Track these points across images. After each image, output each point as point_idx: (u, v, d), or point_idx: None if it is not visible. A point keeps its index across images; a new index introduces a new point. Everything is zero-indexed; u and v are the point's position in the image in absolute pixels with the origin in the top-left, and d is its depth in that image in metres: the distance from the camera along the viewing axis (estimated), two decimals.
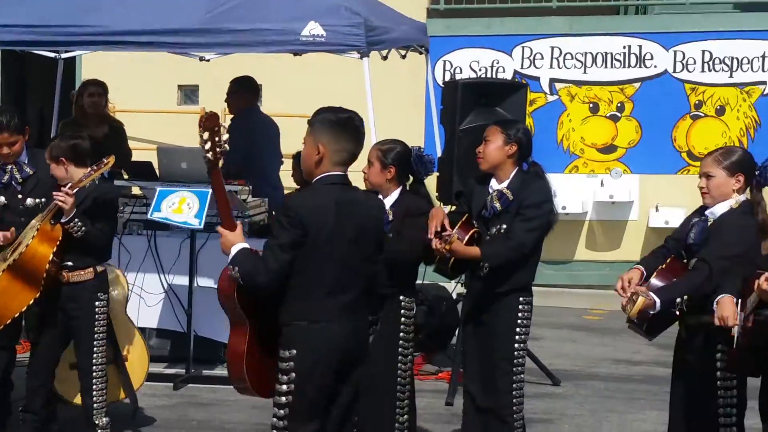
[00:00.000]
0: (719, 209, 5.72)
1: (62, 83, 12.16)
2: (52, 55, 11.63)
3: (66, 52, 11.61)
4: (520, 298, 6.54)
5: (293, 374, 4.75)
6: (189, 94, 15.55)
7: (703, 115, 16.17)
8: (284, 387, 4.77)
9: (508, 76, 15.83)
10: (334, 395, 5.07)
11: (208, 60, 11.48)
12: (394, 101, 11.47)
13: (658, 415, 7.80)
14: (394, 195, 6.61)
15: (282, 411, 4.78)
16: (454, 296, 9.17)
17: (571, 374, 10.24)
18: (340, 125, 5.19)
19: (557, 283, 15.27)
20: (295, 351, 4.78)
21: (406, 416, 6.76)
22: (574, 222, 15.98)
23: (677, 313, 5.70)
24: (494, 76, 15.70)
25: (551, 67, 16.40)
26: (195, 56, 11.20)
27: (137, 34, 9.56)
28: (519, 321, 6.53)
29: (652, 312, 5.56)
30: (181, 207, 9.15)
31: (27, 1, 10.01)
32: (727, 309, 5.12)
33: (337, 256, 4.95)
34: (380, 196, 6.62)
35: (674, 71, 16.10)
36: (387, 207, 6.31)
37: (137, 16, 9.58)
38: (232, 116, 11.09)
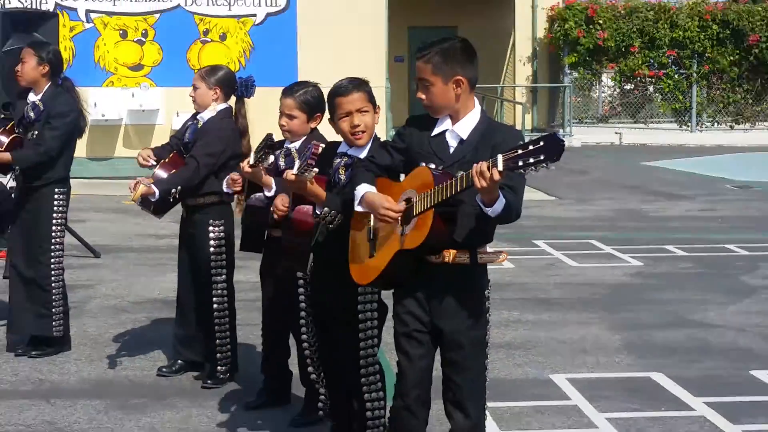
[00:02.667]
0: (206, 115, 6.10)
1: None
2: None
3: None
4: (56, 189, 6.64)
5: None
6: None
7: (210, 40, 17.16)
8: None
9: (50, 8, 15.95)
10: None
11: None
12: None
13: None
14: None
15: None
16: (8, 188, 8.55)
17: (110, 248, 10.44)
18: None
19: (101, 176, 15.92)
20: None
21: None
22: (113, 126, 16.82)
23: (176, 197, 5.94)
24: (32, 7, 15.79)
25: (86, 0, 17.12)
26: None
27: None
28: (55, 207, 6.63)
29: (153, 199, 5.85)
30: None
31: None
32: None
33: None
34: None
35: (186, 5, 16.97)
36: None
37: None
38: None
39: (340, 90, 4.49)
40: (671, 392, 5.97)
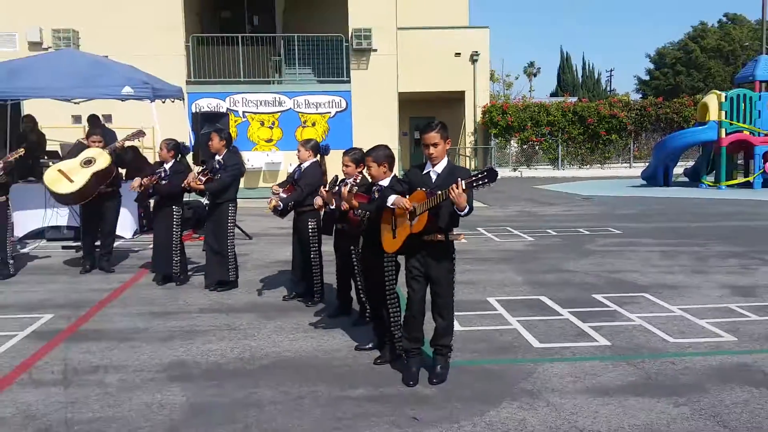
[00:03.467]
0: (305, 164, 5.94)
1: (10, 115, 11.08)
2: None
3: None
4: (230, 205, 6.55)
5: None
6: (76, 118, 14.35)
7: (306, 126, 17.11)
8: None
9: (222, 110, 16.03)
10: None
11: (78, 102, 10.89)
12: (172, 122, 11.90)
13: None
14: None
15: None
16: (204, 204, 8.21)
17: (257, 234, 9.75)
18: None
19: (251, 197, 15.52)
20: None
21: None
22: (257, 171, 17.07)
23: (290, 208, 5.88)
24: (215, 109, 16.02)
25: (242, 106, 17.12)
26: (77, 99, 10.51)
27: (42, 88, 8.99)
28: (230, 214, 6.55)
29: (279, 209, 5.84)
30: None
31: None
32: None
33: None
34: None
35: (294, 108, 16.91)
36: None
37: (41, 81, 9.01)
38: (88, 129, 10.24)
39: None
40: (550, 306, 5.96)
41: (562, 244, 9.20)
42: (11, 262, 7.48)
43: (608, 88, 52.68)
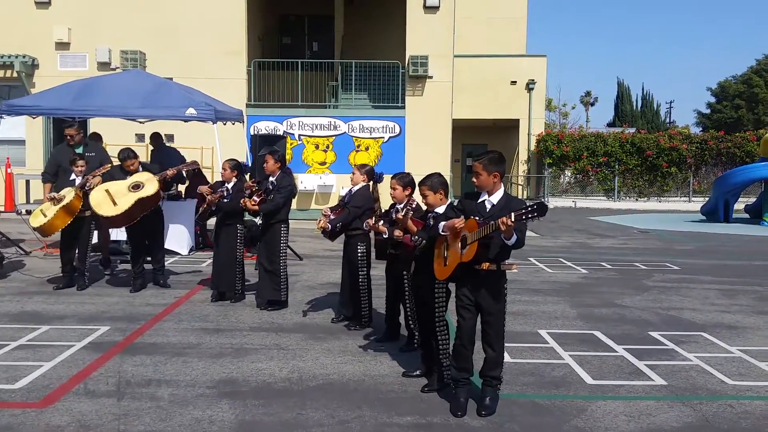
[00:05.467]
0: (356, 188, 6.01)
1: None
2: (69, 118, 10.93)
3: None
4: (282, 226, 6.60)
5: None
6: (139, 137, 14.49)
7: (360, 150, 17.23)
8: None
9: (280, 132, 16.33)
10: None
11: (143, 122, 11.06)
12: (231, 143, 12.09)
13: None
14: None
15: None
16: (258, 224, 8.03)
17: (307, 255, 9.80)
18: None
19: (303, 218, 15.81)
20: None
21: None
22: (310, 193, 17.11)
23: (339, 230, 5.91)
24: (273, 132, 16.24)
25: (298, 129, 17.37)
26: (142, 119, 10.68)
27: (109, 108, 9.31)
28: (282, 235, 6.61)
29: (328, 230, 5.85)
30: None
31: (56, 93, 9.64)
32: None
33: None
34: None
35: (349, 132, 17.24)
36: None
37: (109, 100, 9.32)
38: (152, 148, 10.63)
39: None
40: (604, 342, 5.80)
41: (617, 278, 8.98)
42: (87, 274, 7.73)
43: (668, 120, 51.57)
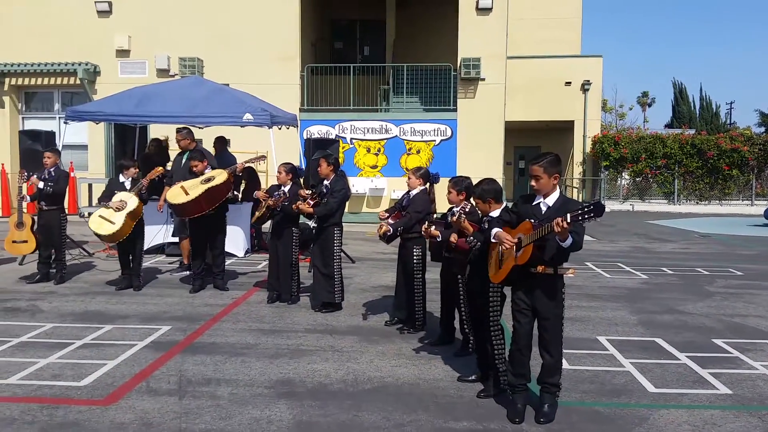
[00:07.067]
0: (413, 192, 5.98)
1: (138, 137, 11.87)
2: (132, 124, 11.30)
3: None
4: (335, 229, 6.65)
5: None
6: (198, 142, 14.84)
7: (411, 153, 17.25)
8: None
9: (332, 136, 16.40)
10: None
11: (202, 128, 11.30)
12: (285, 147, 12.08)
13: None
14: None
15: None
16: (311, 227, 8.43)
17: (360, 258, 9.81)
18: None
19: (355, 221, 16.06)
20: None
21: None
22: (361, 196, 17.09)
23: (397, 234, 5.89)
24: (325, 136, 16.22)
25: (350, 133, 17.47)
26: (200, 125, 10.83)
27: (169, 113, 9.50)
28: (335, 237, 6.66)
29: (389, 234, 5.85)
30: None
31: (118, 100, 9.89)
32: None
33: None
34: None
35: (400, 135, 17.26)
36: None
37: (169, 106, 9.52)
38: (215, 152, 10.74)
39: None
40: (666, 349, 5.65)
41: (679, 284, 8.74)
42: (142, 275, 7.98)
43: (728, 121, 49.85)
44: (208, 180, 7.56)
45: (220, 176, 7.57)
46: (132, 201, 7.57)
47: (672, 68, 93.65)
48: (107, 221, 7.50)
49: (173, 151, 10.05)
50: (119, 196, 7.60)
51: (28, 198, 8.07)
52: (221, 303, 7.15)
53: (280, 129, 10.60)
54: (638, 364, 5.19)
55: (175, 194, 7.49)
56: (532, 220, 3.85)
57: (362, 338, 5.81)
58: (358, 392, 4.45)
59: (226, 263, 8.33)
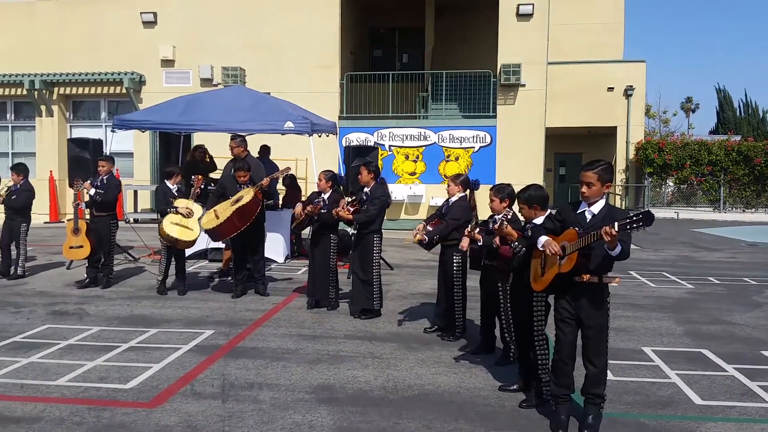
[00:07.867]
0: (453, 198, 6.00)
1: (183, 145, 12.02)
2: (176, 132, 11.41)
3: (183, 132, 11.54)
4: (375, 236, 6.68)
5: None
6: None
7: (450, 160, 17.20)
8: None
9: (371, 143, 16.52)
10: None
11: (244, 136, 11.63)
12: (325, 154, 12.27)
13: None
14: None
15: None
16: (350, 233, 8.13)
17: (398, 265, 9.76)
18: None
19: (393, 228, 15.70)
20: None
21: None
22: (400, 203, 17.09)
23: (436, 241, 5.87)
24: (364, 143, 16.37)
25: (388, 140, 17.58)
26: (242, 133, 11.06)
27: (213, 122, 9.71)
28: (375, 244, 6.71)
29: (424, 243, 5.83)
30: None
31: (163, 109, 10.13)
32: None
33: None
34: None
35: (438, 142, 17.25)
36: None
37: (213, 115, 9.74)
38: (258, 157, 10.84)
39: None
40: (713, 361, 5.51)
41: (726, 294, 8.51)
42: (184, 280, 8.14)
43: None
44: (237, 200, 7.59)
45: (248, 195, 7.56)
46: (196, 207, 7.83)
47: (715, 73, 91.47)
48: (185, 228, 7.68)
49: (216, 159, 10.23)
50: (182, 202, 7.79)
51: (83, 204, 8.30)
52: (262, 308, 7.23)
53: (320, 136, 10.70)
54: (684, 375, 5.08)
55: (209, 220, 7.56)
56: (577, 228, 3.81)
57: (402, 345, 5.80)
58: (399, 399, 4.45)
59: (267, 269, 8.40)
